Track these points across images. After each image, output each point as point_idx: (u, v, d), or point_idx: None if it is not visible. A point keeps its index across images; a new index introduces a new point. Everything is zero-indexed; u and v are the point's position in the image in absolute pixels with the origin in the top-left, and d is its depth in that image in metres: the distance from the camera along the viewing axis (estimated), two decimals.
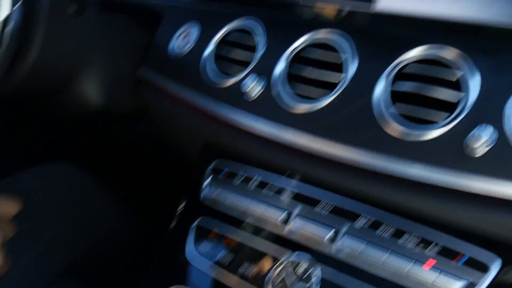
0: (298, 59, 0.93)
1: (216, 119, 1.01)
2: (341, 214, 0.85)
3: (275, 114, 0.91)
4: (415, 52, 0.82)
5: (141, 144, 1.43)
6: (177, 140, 1.23)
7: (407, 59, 0.81)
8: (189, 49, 1.09)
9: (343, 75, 0.86)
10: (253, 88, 0.93)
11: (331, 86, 0.88)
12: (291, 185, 0.91)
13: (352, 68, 0.86)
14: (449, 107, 0.77)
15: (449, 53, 0.79)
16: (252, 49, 0.98)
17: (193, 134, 1.12)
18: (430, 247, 0.76)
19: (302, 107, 0.88)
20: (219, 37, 1.04)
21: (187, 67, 1.08)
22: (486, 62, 0.76)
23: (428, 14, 0.82)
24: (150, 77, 1.16)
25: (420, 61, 0.81)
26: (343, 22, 0.92)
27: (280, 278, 0.86)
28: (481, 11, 0.78)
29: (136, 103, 1.25)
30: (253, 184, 0.95)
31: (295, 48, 0.93)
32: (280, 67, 0.93)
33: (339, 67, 0.88)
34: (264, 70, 0.95)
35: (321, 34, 0.92)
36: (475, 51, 0.78)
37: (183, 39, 1.12)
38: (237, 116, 0.97)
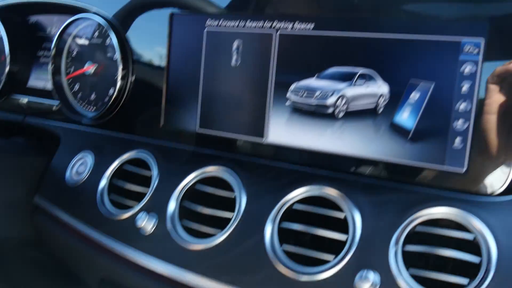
0: (191, 193, 0.91)
1: (112, 253, 0.96)
2: None
3: (170, 251, 0.88)
4: (299, 192, 0.82)
5: (41, 271, 1.33)
6: (75, 271, 1.15)
7: (291, 198, 0.81)
8: (85, 178, 1.05)
9: (234, 212, 0.84)
10: (147, 223, 0.90)
11: (225, 222, 0.85)
12: None
13: (242, 206, 0.84)
14: (339, 246, 0.76)
15: (331, 193, 0.79)
16: (146, 182, 0.95)
17: (90, 267, 1.06)
18: None
19: (196, 245, 0.86)
20: (113, 168, 1.01)
21: (82, 197, 1.04)
22: (365, 202, 0.78)
23: (311, 149, 0.83)
24: (46, 206, 1.10)
25: (307, 200, 0.80)
26: (234, 156, 0.91)
27: None
28: (361, 148, 0.80)
29: (33, 230, 1.17)
30: None
31: (187, 183, 0.91)
32: (172, 202, 0.90)
33: (232, 203, 0.86)
34: (157, 205, 0.92)
35: (212, 170, 0.90)
36: (355, 190, 0.79)
37: (79, 167, 1.08)
38: (132, 252, 0.92)
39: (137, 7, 1.04)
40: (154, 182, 0.94)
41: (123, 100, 1.04)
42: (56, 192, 1.10)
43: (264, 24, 0.86)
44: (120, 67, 1.02)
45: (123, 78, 1.02)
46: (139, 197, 0.96)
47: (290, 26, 0.84)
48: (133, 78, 1.03)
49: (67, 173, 1.08)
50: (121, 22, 1.04)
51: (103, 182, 1.00)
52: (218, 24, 0.91)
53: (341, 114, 0.82)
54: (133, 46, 1.03)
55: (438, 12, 0.74)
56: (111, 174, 1.00)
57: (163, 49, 0.99)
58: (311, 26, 0.82)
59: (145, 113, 1.02)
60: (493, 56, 0.71)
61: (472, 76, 0.72)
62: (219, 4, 0.92)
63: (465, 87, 0.73)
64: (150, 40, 1.01)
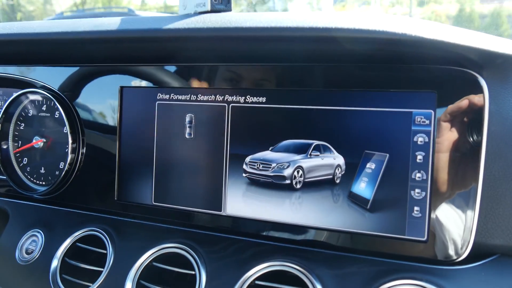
0: (148, 272, 0.85)
1: None
2: None
3: None
4: (261, 267, 0.79)
5: None
6: None
7: (253, 274, 0.78)
8: (35, 258, 0.97)
9: None
10: None
11: None
12: None
13: (203, 284, 0.79)
14: None
15: (293, 267, 0.76)
16: (101, 259, 0.89)
17: None
18: None
19: None
20: (66, 247, 0.94)
21: (34, 278, 0.96)
22: (328, 275, 0.75)
23: (271, 220, 0.80)
24: None
25: (269, 276, 0.76)
26: (192, 230, 0.86)
27: None
28: (320, 219, 0.77)
29: None
30: None
31: (143, 261, 0.85)
32: (129, 283, 0.85)
33: (192, 278, 0.81)
34: (113, 286, 0.86)
35: (170, 246, 0.85)
36: (317, 263, 0.76)
37: (29, 246, 1.00)
38: None
39: (85, 77, 0.99)
40: (109, 261, 0.88)
41: (74, 173, 0.98)
42: (5, 272, 1.01)
43: (216, 97, 0.83)
44: (70, 141, 0.97)
45: (73, 151, 0.97)
46: (94, 276, 0.89)
47: (242, 99, 0.82)
48: (84, 150, 0.97)
49: (17, 252, 1.01)
50: (70, 94, 0.99)
51: (55, 262, 0.93)
52: (169, 97, 0.87)
53: (298, 185, 0.79)
54: (83, 117, 0.98)
55: (388, 84, 0.73)
56: (63, 253, 0.93)
57: (114, 120, 0.94)
58: (263, 99, 0.80)
59: (98, 186, 0.97)
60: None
61: (425, 146, 0.71)
62: (169, 76, 0.89)
63: (419, 157, 0.72)
64: (101, 111, 0.97)
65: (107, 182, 0.94)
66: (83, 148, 0.98)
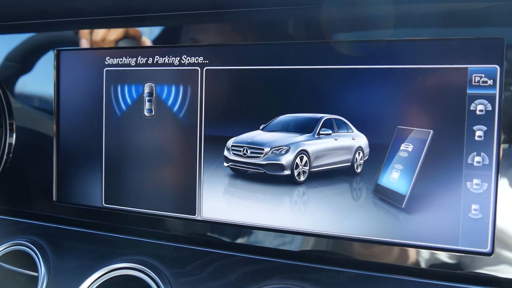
0: None
1: None
2: None
3: None
4: None
5: None
6: None
7: None
8: None
9: None
10: None
11: None
12: None
13: None
14: None
15: None
16: (31, 284, 0.62)
17: None
18: None
19: None
20: None
21: None
22: None
23: (263, 227, 0.54)
24: None
25: None
26: (154, 243, 0.59)
27: None
28: (335, 223, 0.52)
29: None
30: None
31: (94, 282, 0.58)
32: None
33: None
34: None
35: (124, 267, 0.59)
36: None
37: None
38: None
39: (12, 41, 0.71)
40: (43, 283, 0.61)
41: (0, 168, 0.70)
42: None
43: (185, 59, 0.57)
44: None
45: None
46: None
47: (221, 60, 0.55)
48: (13, 137, 0.69)
49: None
50: None
51: None
52: (121, 61, 0.60)
53: (302, 177, 0.54)
54: (11, 95, 0.70)
55: (431, 30, 0.48)
56: None
57: (51, 96, 0.67)
58: (249, 58, 0.54)
59: (32, 184, 0.69)
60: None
61: (488, 117, 0.46)
62: (120, 33, 0.62)
63: (479, 133, 0.47)
64: (34, 86, 0.69)
65: (43, 179, 0.67)
66: (11, 134, 0.70)
